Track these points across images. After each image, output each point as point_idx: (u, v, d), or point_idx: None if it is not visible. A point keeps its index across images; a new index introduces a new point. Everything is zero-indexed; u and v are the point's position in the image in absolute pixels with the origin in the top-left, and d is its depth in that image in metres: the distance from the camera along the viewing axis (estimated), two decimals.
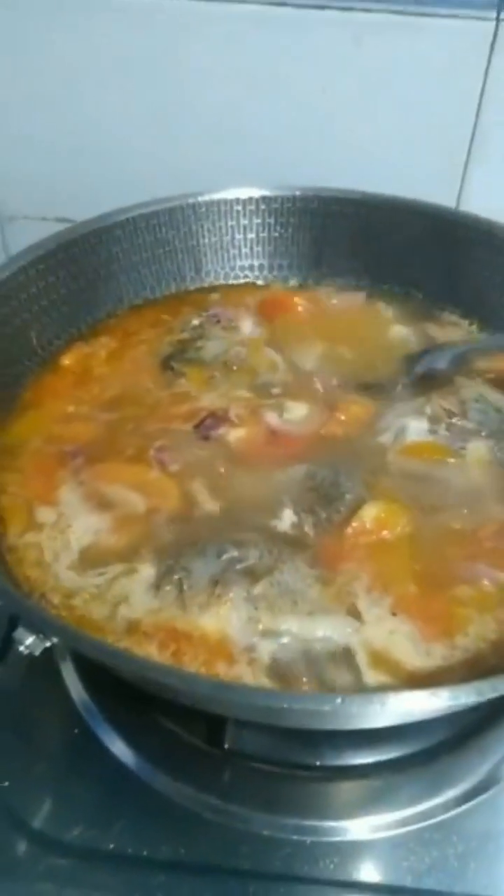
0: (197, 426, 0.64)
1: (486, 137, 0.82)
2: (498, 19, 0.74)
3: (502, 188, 0.83)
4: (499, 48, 0.76)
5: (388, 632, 0.50)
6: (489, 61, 0.77)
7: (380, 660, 0.48)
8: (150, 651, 0.48)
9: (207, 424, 0.63)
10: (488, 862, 0.51)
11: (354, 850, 0.52)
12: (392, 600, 0.51)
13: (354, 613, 0.51)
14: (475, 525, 0.56)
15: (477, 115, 0.80)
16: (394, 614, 0.51)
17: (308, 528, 0.56)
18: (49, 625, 0.42)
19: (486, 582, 0.52)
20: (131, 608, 0.51)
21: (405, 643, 0.49)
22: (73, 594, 0.52)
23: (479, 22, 0.75)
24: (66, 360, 0.72)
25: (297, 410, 0.66)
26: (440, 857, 0.51)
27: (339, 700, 0.35)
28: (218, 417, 0.64)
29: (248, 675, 0.47)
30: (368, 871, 0.51)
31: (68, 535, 0.56)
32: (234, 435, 0.63)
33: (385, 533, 0.55)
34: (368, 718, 0.40)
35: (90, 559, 0.54)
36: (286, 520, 0.56)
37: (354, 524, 0.55)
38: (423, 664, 0.48)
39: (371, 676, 0.47)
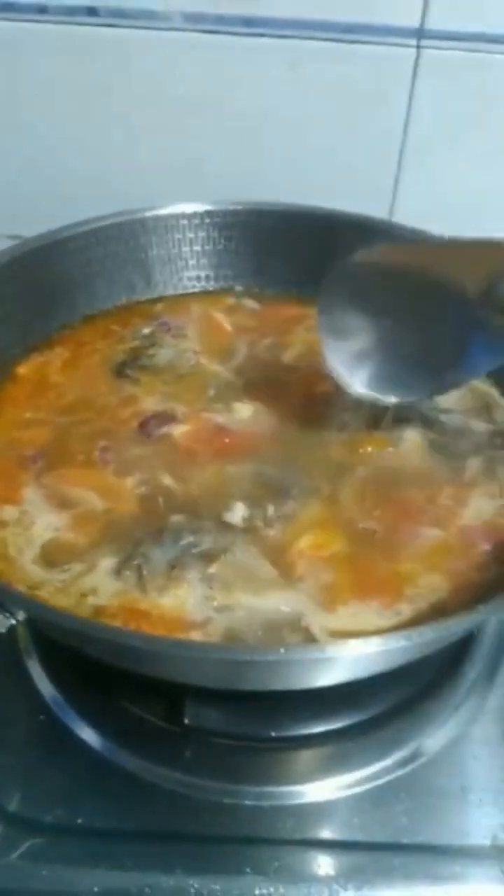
0: (141, 425, 0.67)
1: (413, 153, 0.88)
2: (418, 46, 0.81)
3: (429, 199, 0.89)
4: (420, 73, 0.82)
5: (351, 615, 0.54)
6: (412, 84, 0.83)
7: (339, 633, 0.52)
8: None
9: (151, 423, 0.67)
10: (433, 814, 0.55)
11: (310, 811, 0.56)
12: (348, 594, 0.55)
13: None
14: (409, 499, 0.61)
15: (404, 133, 0.87)
16: (345, 603, 0.54)
17: (258, 522, 0.59)
18: (14, 598, 0.45)
19: (421, 538, 0.58)
20: (97, 597, 0.54)
21: (371, 616, 0.54)
22: (38, 586, 0.55)
23: (402, 49, 0.81)
24: (23, 370, 0.74)
25: (243, 411, 0.70)
26: (390, 813, 0.55)
27: (282, 650, 0.39)
28: (162, 417, 0.68)
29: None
30: (324, 830, 0.55)
31: (31, 532, 0.59)
32: (179, 432, 0.67)
33: (324, 552, 0.58)
34: (310, 671, 0.44)
35: (52, 554, 0.57)
36: (237, 513, 0.60)
37: (297, 547, 0.58)
38: (391, 622, 0.53)
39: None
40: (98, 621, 0.49)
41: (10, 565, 0.56)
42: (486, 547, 0.59)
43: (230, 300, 0.86)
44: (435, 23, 0.80)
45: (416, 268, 0.59)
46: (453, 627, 0.42)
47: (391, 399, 0.63)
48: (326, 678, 0.48)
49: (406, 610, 0.54)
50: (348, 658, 0.41)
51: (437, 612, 0.54)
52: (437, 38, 0.81)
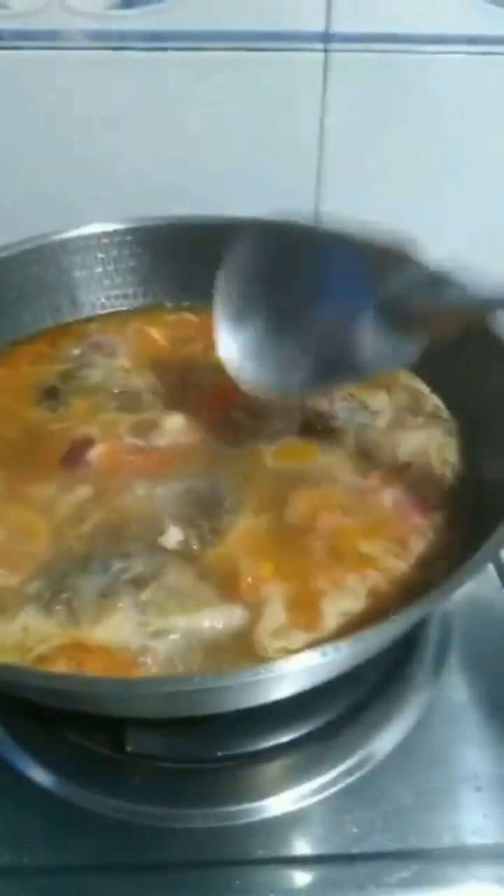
0: (67, 454, 0.66)
1: (331, 157, 0.88)
2: (325, 50, 0.81)
3: (353, 204, 0.89)
4: (331, 76, 0.82)
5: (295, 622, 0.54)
6: (324, 88, 0.84)
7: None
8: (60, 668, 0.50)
9: (74, 451, 0.66)
10: (389, 821, 0.55)
11: (263, 828, 0.55)
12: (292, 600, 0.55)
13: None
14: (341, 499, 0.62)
15: (320, 139, 0.87)
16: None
17: (194, 543, 0.59)
18: None
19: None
20: (42, 645, 0.52)
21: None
22: None
23: (310, 53, 0.81)
24: None
25: (173, 422, 0.69)
26: (341, 823, 0.55)
27: (196, 679, 0.38)
28: (84, 442, 0.66)
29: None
30: (277, 846, 0.54)
31: None
32: (99, 454, 0.66)
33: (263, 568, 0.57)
34: (242, 693, 0.43)
35: None
36: (172, 537, 0.59)
37: (233, 563, 0.57)
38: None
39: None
40: (27, 668, 0.48)
41: None
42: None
43: (167, 315, 0.85)
44: (341, 25, 0.80)
45: (317, 256, 0.58)
46: (371, 640, 0.42)
47: (274, 394, 0.63)
48: (256, 698, 0.47)
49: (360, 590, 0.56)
50: (273, 678, 0.41)
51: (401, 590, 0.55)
52: (345, 41, 0.81)
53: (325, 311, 0.58)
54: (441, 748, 0.59)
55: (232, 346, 0.62)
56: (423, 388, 0.73)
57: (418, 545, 0.59)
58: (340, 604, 0.55)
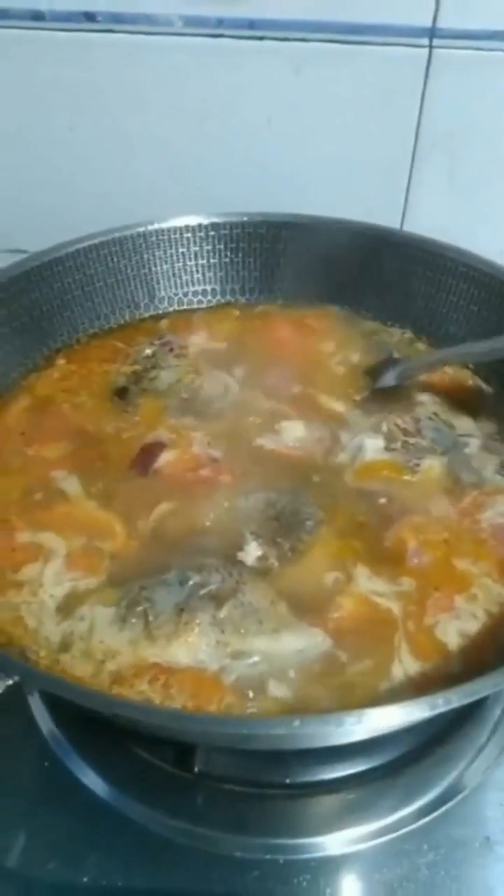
0: (137, 458, 0.63)
1: (425, 158, 0.84)
2: (430, 46, 0.77)
3: (443, 207, 0.86)
4: (433, 73, 0.79)
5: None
6: (425, 86, 0.80)
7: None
8: (142, 688, 0.49)
9: (146, 456, 0.63)
10: (457, 869, 0.52)
11: (326, 865, 0.52)
12: None
13: None
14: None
15: (416, 138, 0.83)
16: None
17: (273, 560, 0.56)
18: (8, 663, 0.42)
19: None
20: (114, 661, 0.50)
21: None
22: (63, 649, 0.52)
23: (413, 49, 0.77)
24: (18, 397, 0.71)
25: (294, 430, 0.67)
26: (411, 867, 0.52)
27: (296, 723, 0.36)
28: (153, 448, 0.64)
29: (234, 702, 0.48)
30: (341, 887, 0.52)
31: (40, 595, 0.55)
32: (172, 461, 0.63)
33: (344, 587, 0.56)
34: (333, 737, 0.41)
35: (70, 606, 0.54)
36: (251, 553, 0.57)
37: (314, 585, 0.55)
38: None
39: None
40: (90, 688, 0.46)
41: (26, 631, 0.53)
42: None
43: (244, 314, 0.83)
44: (448, 21, 0.76)
45: None
46: (482, 690, 0.39)
47: None
48: (344, 739, 0.44)
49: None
50: (368, 727, 0.38)
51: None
52: (451, 38, 0.77)
53: None
54: None
55: None
56: None
57: None
58: (449, 628, 0.53)
